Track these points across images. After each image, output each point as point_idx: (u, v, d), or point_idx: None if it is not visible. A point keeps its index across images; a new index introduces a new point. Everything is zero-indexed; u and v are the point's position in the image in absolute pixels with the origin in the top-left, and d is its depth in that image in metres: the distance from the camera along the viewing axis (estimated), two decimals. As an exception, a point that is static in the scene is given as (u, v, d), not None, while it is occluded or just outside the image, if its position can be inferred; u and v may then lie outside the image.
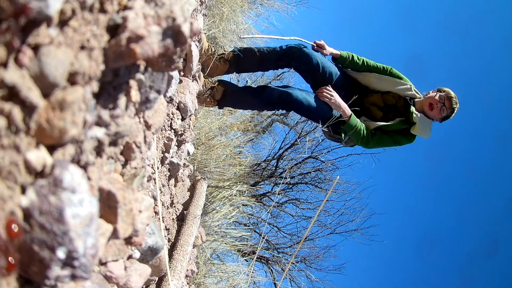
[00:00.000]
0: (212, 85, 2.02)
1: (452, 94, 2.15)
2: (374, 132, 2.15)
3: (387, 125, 2.16)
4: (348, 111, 2.04)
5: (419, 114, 2.17)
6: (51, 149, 0.45)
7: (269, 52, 2.07)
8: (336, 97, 2.01)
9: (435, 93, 2.16)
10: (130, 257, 0.79)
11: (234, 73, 2.26)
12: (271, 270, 5.97)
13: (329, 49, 2.14)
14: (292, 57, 2.06)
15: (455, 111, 2.18)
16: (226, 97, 2.04)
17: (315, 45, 2.12)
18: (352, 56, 2.19)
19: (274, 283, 5.84)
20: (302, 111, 2.08)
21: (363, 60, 2.20)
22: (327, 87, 2.03)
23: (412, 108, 2.18)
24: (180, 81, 1.52)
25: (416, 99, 2.23)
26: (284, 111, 5.50)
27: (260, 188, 6.19)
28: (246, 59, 2.06)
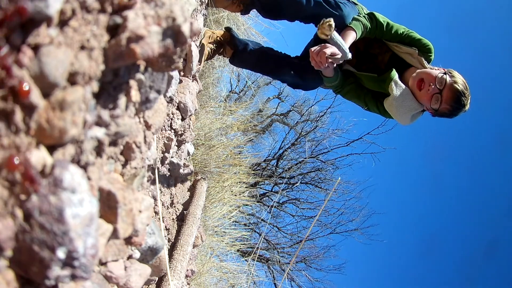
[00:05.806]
0: (220, 41, 1.88)
1: (460, 86, 1.57)
2: (350, 82, 1.84)
3: (360, 79, 1.81)
4: (331, 73, 1.71)
5: (402, 87, 1.65)
6: (51, 149, 0.45)
7: (295, 3, 1.66)
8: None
9: (440, 72, 1.62)
10: (130, 257, 0.78)
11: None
12: (271, 270, 5.98)
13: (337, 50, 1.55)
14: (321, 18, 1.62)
15: (458, 112, 1.63)
16: (235, 57, 1.94)
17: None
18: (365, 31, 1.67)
19: (274, 283, 5.84)
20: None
21: (374, 32, 1.71)
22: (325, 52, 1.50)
23: (394, 74, 1.67)
24: (180, 81, 1.51)
25: (410, 69, 1.71)
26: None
27: (260, 188, 6.20)
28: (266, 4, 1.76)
